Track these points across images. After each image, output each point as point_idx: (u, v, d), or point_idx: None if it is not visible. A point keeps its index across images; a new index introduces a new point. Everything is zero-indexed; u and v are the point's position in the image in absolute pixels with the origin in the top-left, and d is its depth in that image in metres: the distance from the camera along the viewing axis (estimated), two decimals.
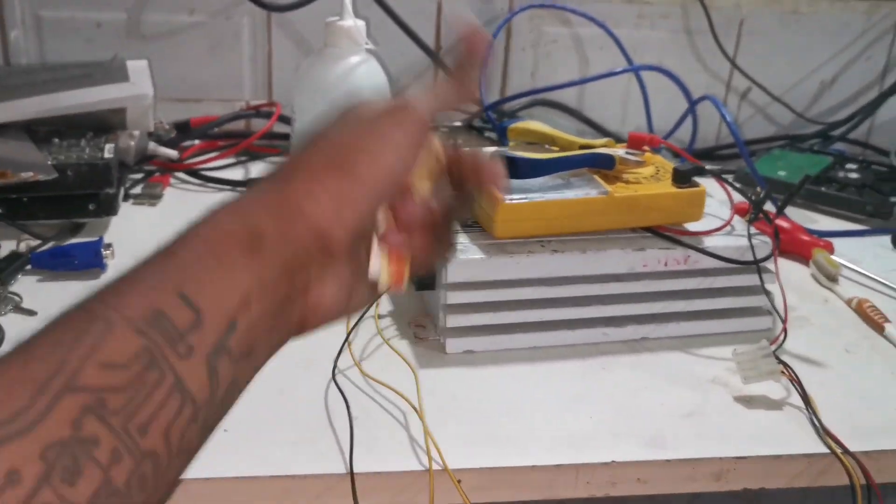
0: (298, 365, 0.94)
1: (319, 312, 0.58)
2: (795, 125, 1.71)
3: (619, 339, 1.03)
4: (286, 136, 1.50)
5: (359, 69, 1.18)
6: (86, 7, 1.47)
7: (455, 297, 0.97)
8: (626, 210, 1.02)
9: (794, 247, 1.25)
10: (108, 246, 1.10)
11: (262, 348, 0.53)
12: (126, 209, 1.27)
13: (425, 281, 1.00)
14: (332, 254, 0.55)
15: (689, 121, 1.52)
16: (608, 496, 0.86)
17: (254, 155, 1.50)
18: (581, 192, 1.01)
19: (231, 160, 1.47)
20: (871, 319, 1.09)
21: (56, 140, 1.26)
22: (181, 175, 1.42)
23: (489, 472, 0.83)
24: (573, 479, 0.84)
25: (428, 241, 0.63)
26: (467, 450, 0.84)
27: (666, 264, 1.01)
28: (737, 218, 1.06)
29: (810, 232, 1.27)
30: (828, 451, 0.87)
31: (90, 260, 1.10)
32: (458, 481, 0.81)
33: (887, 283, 1.18)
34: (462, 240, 0.99)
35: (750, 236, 1.03)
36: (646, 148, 1.11)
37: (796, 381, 0.94)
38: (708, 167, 1.14)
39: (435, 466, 0.81)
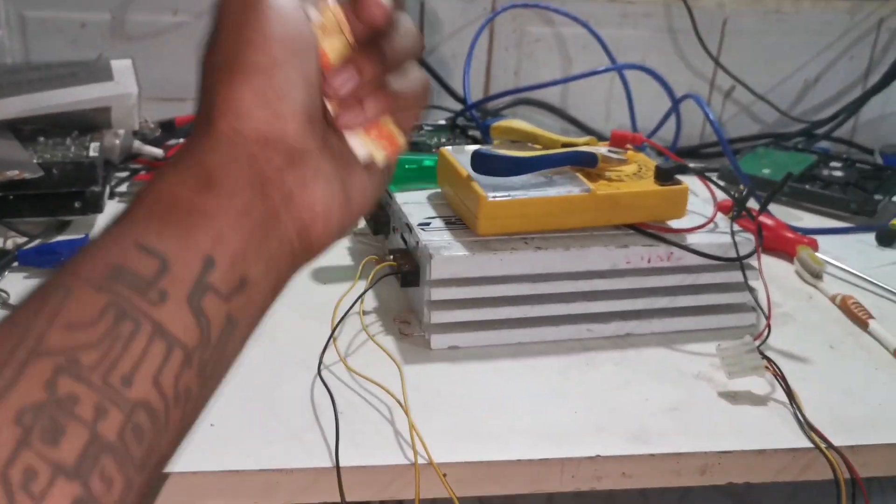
0: (284, 360, 0.94)
1: (319, 217, 0.54)
2: (780, 123, 1.72)
3: (603, 335, 1.03)
4: None
5: None
6: (70, 7, 1.47)
7: (439, 294, 0.98)
8: (608, 207, 1.02)
9: (779, 244, 1.25)
10: None
11: (259, 277, 0.51)
12: (112, 207, 1.27)
13: (410, 277, 1.00)
14: (294, 151, 0.53)
15: (672, 119, 1.52)
16: (594, 490, 0.86)
17: None
18: (563, 189, 1.01)
19: None
20: (856, 316, 1.10)
21: (41, 139, 1.26)
22: None
23: (474, 466, 0.83)
24: (558, 474, 0.84)
25: (388, 92, 0.57)
26: (452, 444, 0.84)
27: (649, 261, 1.02)
28: (720, 215, 1.07)
29: (795, 230, 1.28)
30: (812, 445, 0.87)
31: None
32: (444, 475, 0.81)
33: (871, 280, 1.19)
34: (445, 237, 0.99)
35: (733, 233, 1.04)
36: (628, 146, 1.11)
37: (780, 377, 0.94)
38: (691, 165, 1.14)
39: (420, 461, 0.81)
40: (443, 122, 1.55)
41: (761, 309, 1.05)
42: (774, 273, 1.18)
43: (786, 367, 0.96)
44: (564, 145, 1.10)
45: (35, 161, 1.18)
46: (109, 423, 0.42)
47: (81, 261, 0.46)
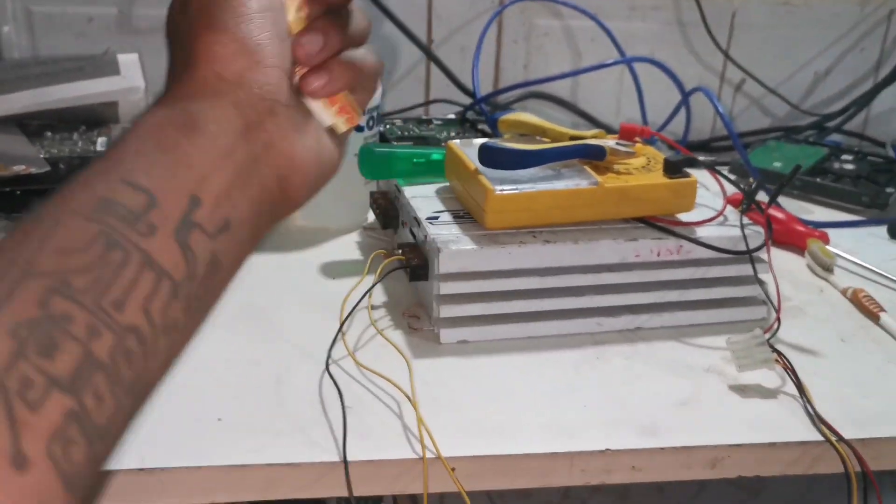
0: (293, 355, 0.94)
1: (296, 168, 0.58)
2: (791, 117, 1.72)
3: (613, 328, 1.03)
4: None
5: None
6: (77, 2, 1.47)
7: (448, 288, 0.97)
8: (616, 201, 1.02)
9: (790, 237, 1.24)
10: None
11: (242, 221, 0.53)
12: None
13: (418, 271, 1.00)
14: (273, 101, 0.57)
15: (683, 113, 1.52)
16: (606, 484, 0.86)
17: None
18: (571, 182, 1.01)
19: None
20: (867, 309, 1.09)
21: (48, 134, 1.26)
22: None
23: (483, 460, 0.83)
24: (567, 467, 0.84)
25: (349, 65, 0.62)
26: (461, 438, 0.84)
27: (659, 254, 1.01)
28: (730, 208, 1.06)
29: (806, 223, 1.27)
30: (822, 438, 0.87)
31: None
32: (452, 469, 0.81)
33: (883, 273, 1.18)
34: (454, 231, 0.99)
35: (743, 226, 1.03)
36: (637, 139, 1.11)
37: (790, 370, 0.94)
38: (701, 158, 1.14)
39: (428, 455, 0.81)
40: (452, 116, 1.55)
41: (771, 302, 1.05)
42: (785, 266, 1.18)
43: (796, 360, 0.95)
44: (572, 138, 1.09)
45: (42, 156, 1.18)
46: (101, 344, 0.43)
47: (70, 194, 0.47)
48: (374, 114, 1.20)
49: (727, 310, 1.06)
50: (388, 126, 1.47)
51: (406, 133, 1.45)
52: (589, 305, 1.02)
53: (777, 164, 1.46)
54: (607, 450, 0.84)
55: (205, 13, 0.57)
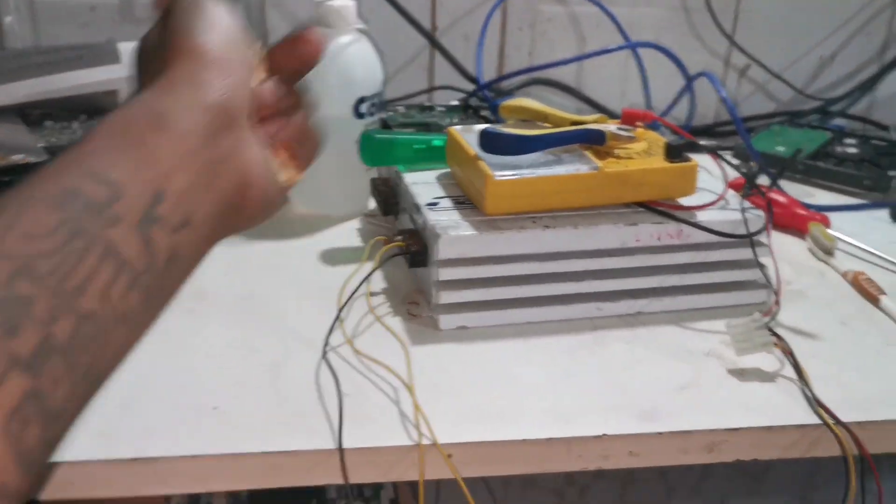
0: (290, 342, 0.94)
1: (254, 181, 0.60)
2: (795, 101, 1.71)
3: (613, 313, 1.03)
4: None
5: (350, 49, 1.17)
6: None
7: (447, 274, 0.97)
8: (617, 185, 1.01)
9: (791, 221, 1.24)
10: None
11: (201, 221, 0.55)
12: None
13: (418, 258, 1.00)
14: (239, 117, 0.59)
15: (687, 98, 1.51)
16: (602, 469, 0.86)
17: None
18: (572, 167, 1.01)
19: None
20: (867, 292, 1.09)
21: (49, 123, 1.26)
22: None
23: (479, 446, 0.83)
24: (565, 453, 0.84)
25: (296, 124, 0.67)
26: (460, 425, 0.84)
27: (659, 239, 1.01)
28: (731, 192, 1.06)
29: (807, 206, 1.27)
30: (820, 421, 0.87)
31: None
32: (449, 455, 0.81)
33: (885, 255, 1.17)
34: (454, 217, 0.99)
35: (743, 210, 1.03)
36: (639, 124, 1.10)
37: (789, 353, 0.94)
38: (703, 143, 1.13)
39: (425, 441, 0.81)
40: (455, 102, 1.55)
41: (771, 286, 1.04)
42: (787, 250, 1.18)
43: (796, 343, 0.95)
44: (573, 123, 1.09)
45: (41, 145, 1.18)
46: (61, 328, 0.44)
47: (37, 183, 0.49)
48: (376, 100, 1.20)
49: (727, 294, 1.05)
50: (390, 113, 1.47)
51: (408, 120, 1.45)
52: (589, 290, 1.02)
53: (780, 149, 1.46)
54: (604, 435, 0.84)
55: (182, 27, 0.60)
